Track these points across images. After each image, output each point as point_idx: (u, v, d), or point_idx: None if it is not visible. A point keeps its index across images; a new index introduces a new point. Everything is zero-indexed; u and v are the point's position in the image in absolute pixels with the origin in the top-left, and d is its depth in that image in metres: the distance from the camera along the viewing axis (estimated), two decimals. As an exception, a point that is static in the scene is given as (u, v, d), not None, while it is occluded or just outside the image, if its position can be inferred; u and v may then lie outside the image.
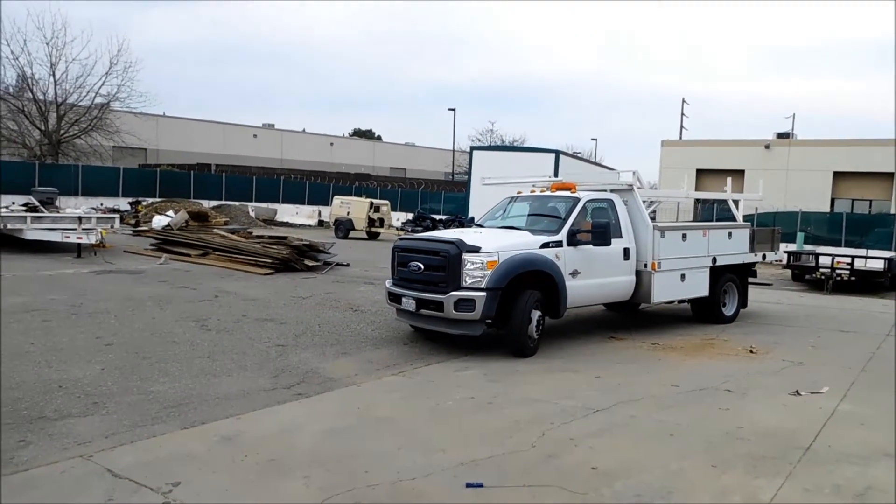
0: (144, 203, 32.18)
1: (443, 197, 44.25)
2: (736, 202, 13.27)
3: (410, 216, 34.70)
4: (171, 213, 25.52)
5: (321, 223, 37.48)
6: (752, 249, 11.72)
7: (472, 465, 4.83)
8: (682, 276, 10.26)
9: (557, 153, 29.01)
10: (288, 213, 39.19)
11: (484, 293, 7.91)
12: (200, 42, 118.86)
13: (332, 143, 70.01)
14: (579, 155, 49.46)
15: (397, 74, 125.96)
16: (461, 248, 8.11)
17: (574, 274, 8.87)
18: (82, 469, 4.64)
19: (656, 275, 9.78)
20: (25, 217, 17.53)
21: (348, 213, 30.97)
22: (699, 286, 10.64)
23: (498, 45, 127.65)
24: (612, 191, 10.43)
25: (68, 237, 17.32)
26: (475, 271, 7.99)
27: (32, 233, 17.17)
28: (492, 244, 8.27)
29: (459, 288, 7.99)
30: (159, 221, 23.93)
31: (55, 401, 5.96)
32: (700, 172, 34.99)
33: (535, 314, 8.30)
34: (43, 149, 36.67)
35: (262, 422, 5.71)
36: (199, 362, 7.46)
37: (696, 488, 4.56)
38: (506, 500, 4.34)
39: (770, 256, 12.53)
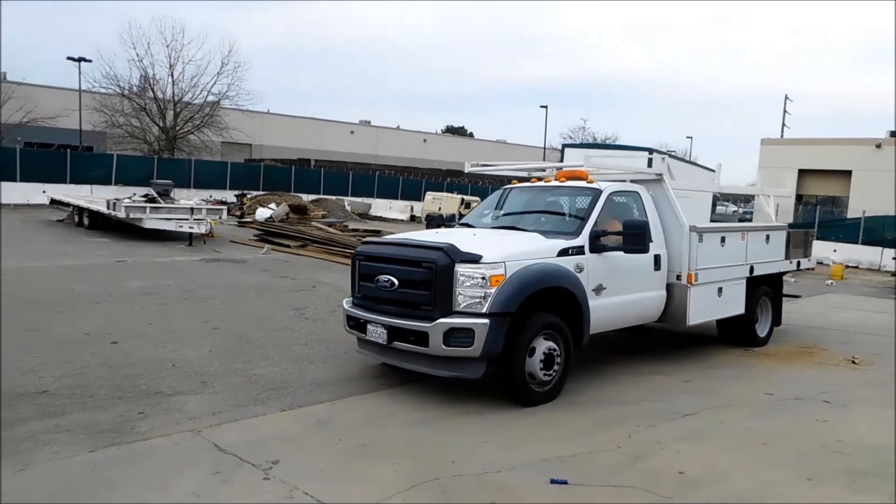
0: (249, 196, 33.60)
1: (533, 194, 43.83)
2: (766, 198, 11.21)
3: (501, 213, 34.55)
4: (272, 205, 26.55)
5: (413, 218, 38.04)
6: (787, 256, 9.70)
7: (557, 461, 4.83)
8: (720, 291, 8.17)
9: (651, 151, 28.21)
10: (382, 207, 39.97)
11: (486, 320, 5.77)
12: (304, 43, 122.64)
13: (425, 140, 70.80)
14: (674, 154, 48.01)
15: (490, 73, 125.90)
16: (453, 256, 5.93)
17: (598, 290, 6.72)
18: (192, 442, 4.94)
19: (693, 289, 7.61)
20: (145, 207, 18.69)
21: (440, 209, 31.29)
22: (736, 302, 8.54)
23: (592, 44, 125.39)
24: (632, 182, 8.03)
25: (181, 227, 18.36)
26: (473, 289, 5.83)
27: (150, 222, 18.31)
28: (495, 251, 6.06)
29: (451, 313, 5.86)
30: (262, 213, 24.97)
31: (169, 378, 6.36)
32: (803, 173, 33.28)
33: (544, 345, 6.14)
34: (160, 144, 38.91)
35: (355, 408, 5.89)
36: (297, 349, 7.76)
37: (787, 500, 4.39)
38: (590, 498, 4.32)
39: (804, 264, 10.39)
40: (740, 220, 11.61)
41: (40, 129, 38.20)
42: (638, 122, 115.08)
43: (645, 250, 7.03)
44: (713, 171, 13.26)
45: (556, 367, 6.23)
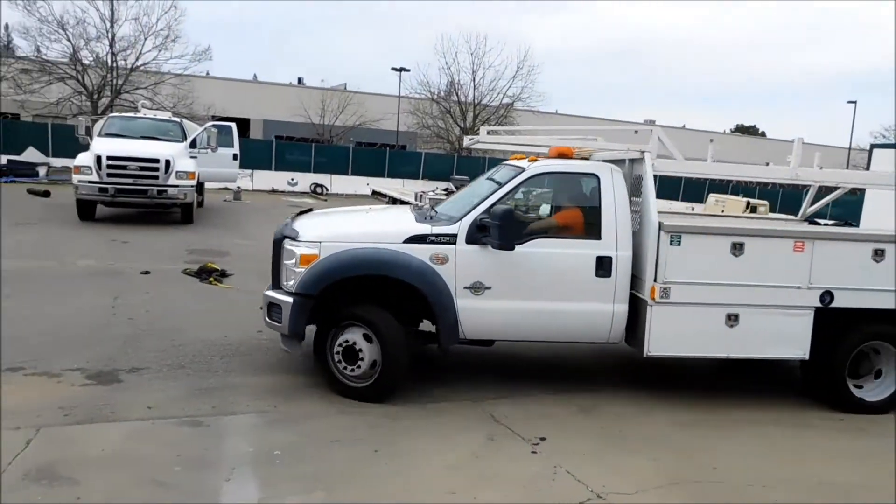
0: (535, 192, 34.73)
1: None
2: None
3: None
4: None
5: (696, 219, 35.94)
6: None
7: (829, 485, 4.44)
8: (732, 318, 5.70)
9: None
10: (661, 208, 38.39)
11: (291, 299, 5.53)
12: (590, 43, 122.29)
13: (711, 140, 65.76)
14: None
15: (787, 65, 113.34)
16: (284, 232, 5.83)
17: (477, 289, 5.56)
18: (472, 410, 5.47)
19: (657, 308, 5.58)
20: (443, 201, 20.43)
21: (723, 212, 29.24)
22: (780, 339, 5.81)
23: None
24: (609, 161, 6.17)
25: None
26: (290, 267, 5.58)
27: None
28: (320, 231, 5.70)
29: (277, 287, 5.78)
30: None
31: (467, 357, 7.03)
32: None
33: (345, 337, 5.49)
34: (460, 143, 42.03)
35: (618, 400, 5.96)
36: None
37: None
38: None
39: None
40: (809, 222, 7.60)
41: (367, 131, 43.54)
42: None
43: (509, 247, 5.39)
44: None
45: (360, 363, 5.46)
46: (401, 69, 43.36)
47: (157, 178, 14.62)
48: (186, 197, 15.09)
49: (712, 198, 31.13)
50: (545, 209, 6.25)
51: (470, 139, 7.17)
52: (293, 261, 5.56)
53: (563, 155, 6.04)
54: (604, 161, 6.14)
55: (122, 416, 4.84)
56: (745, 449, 5.05)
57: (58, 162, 27.75)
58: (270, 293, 5.75)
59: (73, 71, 30.15)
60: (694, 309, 5.64)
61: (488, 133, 6.87)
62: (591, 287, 5.64)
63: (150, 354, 6.25)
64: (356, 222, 6.46)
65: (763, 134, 76.36)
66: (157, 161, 14.76)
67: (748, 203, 29.07)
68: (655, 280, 5.56)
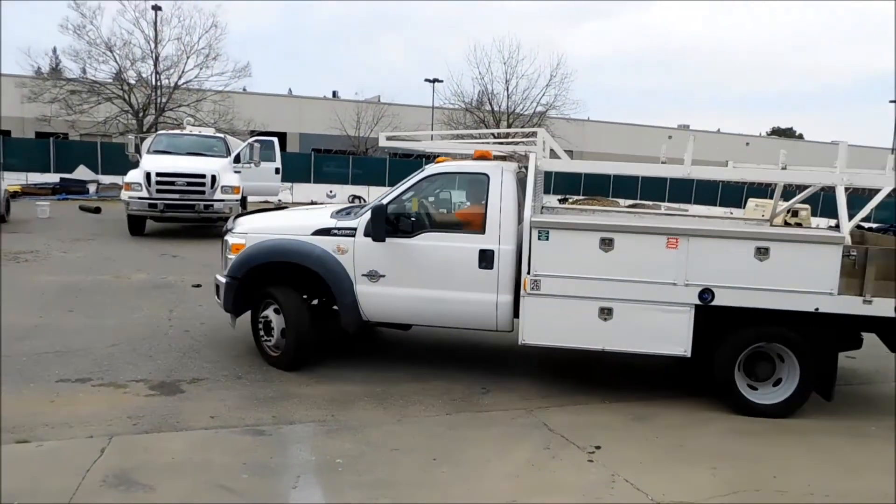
0: (571, 200, 34.60)
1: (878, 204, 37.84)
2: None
3: (833, 222, 30.57)
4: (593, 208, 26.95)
5: (732, 224, 35.35)
6: (844, 290, 5.48)
7: None
8: (605, 312, 5.73)
9: None
10: (699, 214, 37.95)
11: (224, 280, 6.60)
12: (622, 49, 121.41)
13: (747, 143, 65.20)
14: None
15: (825, 66, 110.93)
16: (227, 227, 7.01)
17: (373, 276, 6.18)
18: (525, 419, 5.49)
19: (529, 299, 5.81)
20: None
21: (763, 216, 28.71)
22: (659, 336, 5.75)
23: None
24: (507, 159, 6.64)
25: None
26: (227, 254, 6.69)
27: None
28: (249, 225, 6.72)
29: (223, 271, 6.80)
30: (581, 216, 25.54)
31: (514, 364, 7.07)
32: None
33: (264, 313, 6.44)
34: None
35: (671, 409, 5.89)
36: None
37: None
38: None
39: None
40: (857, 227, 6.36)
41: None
42: None
43: (379, 239, 6.03)
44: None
45: (272, 335, 6.41)
46: (434, 80, 43.70)
47: (203, 192, 14.98)
48: (232, 211, 15.39)
49: (752, 202, 30.64)
50: (444, 206, 6.90)
51: (388, 137, 7.59)
52: (228, 249, 6.66)
53: (482, 157, 6.49)
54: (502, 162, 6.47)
55: (187, 426, 4.98)
56: (804, 459, 4.96)
57: (106, 179, 28.59)
58: (217, 276, 6.86)
59: (120, 91, 31.04)
60: (565, 301, 5.77)
61: (387, 139, 7.38)
62: (474, 278, 6.01)
63: (209, 365, 6.41)
64: (281, 218, 7.28)
65: (800, 136, 74.81)
66: (203, 176, 15.13)
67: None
68: (528, 273, 5.78)
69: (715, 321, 5.74)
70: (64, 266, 11.34)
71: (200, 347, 6.96)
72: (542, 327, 5.88)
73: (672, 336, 5.71)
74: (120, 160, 27.34)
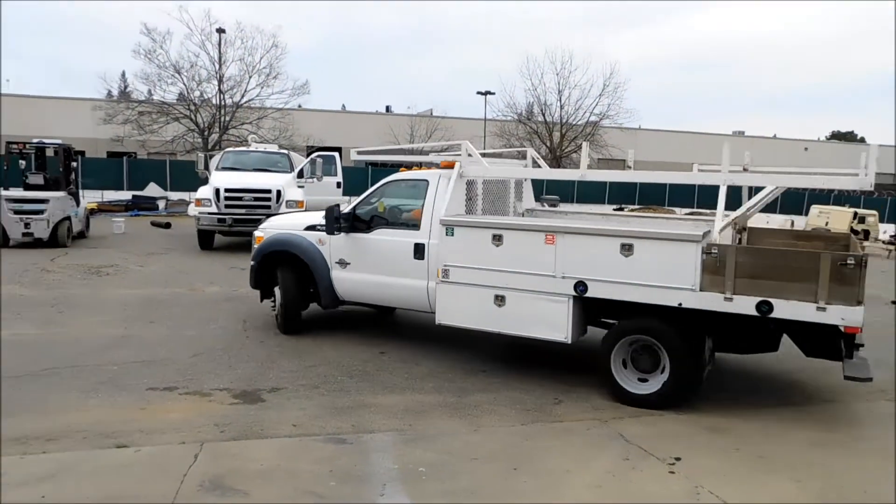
0: (627, 209, 34.14)
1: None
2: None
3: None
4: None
5: (794, 232, 34.16)
6: (707, 287, 5.51)
7: None
8: (499, 299, 6.39)
9: None
10: (758, 221, 36.64)
11: (252, 264, 8.40)
12: (672, 56, 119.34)
13: (805, 148, 63.11)
14: None
15: (885, 64, 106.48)
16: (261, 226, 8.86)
17: (342, 264, 7.70)
18: (600, 430, 5.44)
19: (441, 286, 6.72)
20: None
21: (827, 224, 27.70)
22: (544, 322, 6.22)
23: None
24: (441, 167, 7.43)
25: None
26: (254, 245, 8.54)
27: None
28: (269, 223, 8.74)
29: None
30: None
31: (583, 374, 7.02)
32: None
33: (277, 292, 8.21)
34: (548, 163, 41.90)
35: (749, 420, 5.74)
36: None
37: None
38: None
39: (789, 311, 5.28)
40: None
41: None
42: None
43: (329, 233, 7.52)
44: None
45: (275, 305, 8.29)
46: (486, 92, 43.81)
47: (269, 207, 15.36)
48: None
49: (815, 209, 29.66)
50: (401, 207, 7.82)
51: (359, 152, 9.39)
52: (254, 241, 8.50)
53: (448, 166, 7.28)
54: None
55: (271, 433, 5.12)
56: (891, 471, 4.78)
57: (174, 195, 29.62)
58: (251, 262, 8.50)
59: (187, 110, 32.20)
60: (468, 288, 6.58)
61: (358, 153, 9.28)
62: (411, 267, 7.14)
63: (286, 375, 6.58)
64: (290, 218, 9.01)
65: (862, 140, 72.03)
66: (269, 191, 15.56)
67: (855, 213, 27.48)
68: (438, 263, 6.78)
69: (597, 312, 6.35)
70: (142, 279, 11.81)
71: (276, 357, 7.15)
72: (451, 310, 6.76)
73: (554, 323, 6.20)
74: (187, 177, 28.36)
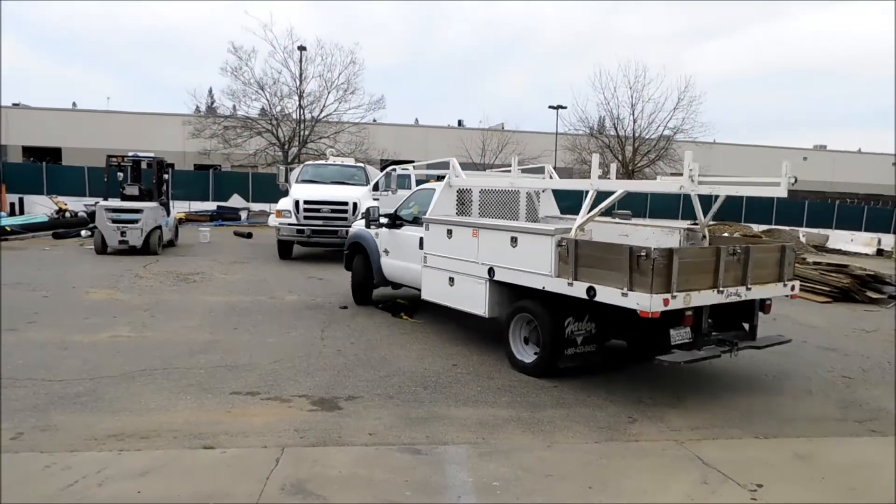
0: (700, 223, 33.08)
1: None
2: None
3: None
4: (724, 234, 25.66)
5: (880, 252, 32.34)
6: (560, 274, 6.60)
7: None
8: (451, 280, 8.13)
9: None
10: (841, 239, 34.93)
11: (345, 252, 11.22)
12: (752, 67, 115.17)
13: (894, 164, 59.63)
14: None
15: None
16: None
17: (386, 252, 10.09)
18: (677, 451, 5.28)
19: (424, 269, 8.66)
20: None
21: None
22: (472, 300, 7.81)
23: None
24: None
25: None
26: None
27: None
28: (357, 221, 11.59)
29: None
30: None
31: (656, 391, 6.86)
32: None
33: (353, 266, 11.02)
34: (620, 177, 41.09)
35: (836, 450, 5.50)
36: (766, 381, 7.52)
37: None
38: None
39: (605, 295, 6.14)
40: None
41: (525, 169, 44.05)
42: None
43: (368, 227, 10.32)
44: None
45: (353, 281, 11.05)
46: (558, 107, 43.52)
47: (346, 219, 15.71)
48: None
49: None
50: (421, 209, 9.42)
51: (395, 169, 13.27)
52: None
53: None
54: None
55: (349, 441, 5.22)
56: None
57: (256, 206, 30.70)
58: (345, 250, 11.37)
59: (269, 125, 33.37)
60: (437, 272, 8.35)
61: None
62: (418, 254, 8.84)
63: (362, 384, 6.69)
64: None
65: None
66: (346, 204, 15.91)
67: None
68: (424, 251, 8.61)
69: (510, 294, 7.49)
70: (226, 287, 12.29)
71: (353, 367, 7.28)
72: (430, 289, 8.58)
73: (477, 301, 7.71)
74: (267, 189, 29.35)
